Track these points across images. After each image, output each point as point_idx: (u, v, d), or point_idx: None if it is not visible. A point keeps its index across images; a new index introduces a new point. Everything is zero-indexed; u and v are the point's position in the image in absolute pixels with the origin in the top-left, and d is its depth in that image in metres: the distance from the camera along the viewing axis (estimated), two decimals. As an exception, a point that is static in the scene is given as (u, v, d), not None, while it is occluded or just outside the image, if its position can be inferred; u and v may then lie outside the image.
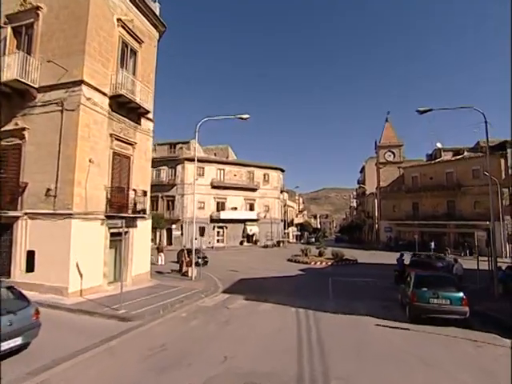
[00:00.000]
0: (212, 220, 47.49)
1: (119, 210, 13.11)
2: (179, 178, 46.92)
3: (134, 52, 14.77)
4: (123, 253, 13.83)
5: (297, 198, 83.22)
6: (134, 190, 13.81)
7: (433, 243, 35.06)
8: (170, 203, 47.17)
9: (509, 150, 36.46)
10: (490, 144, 41.96)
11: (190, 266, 19.77)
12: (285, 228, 56.17)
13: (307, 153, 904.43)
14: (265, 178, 52.70)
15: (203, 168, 48.19)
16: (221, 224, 48.00)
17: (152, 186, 47.23)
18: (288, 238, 61.73)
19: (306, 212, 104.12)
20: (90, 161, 11.89)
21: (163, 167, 48.15)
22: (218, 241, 47.78)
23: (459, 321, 9.17)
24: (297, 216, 78.17)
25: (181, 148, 48.20)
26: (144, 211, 14.11)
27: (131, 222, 13.92)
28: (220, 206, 48.57)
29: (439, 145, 45.66)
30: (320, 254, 30.44)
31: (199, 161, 48.96)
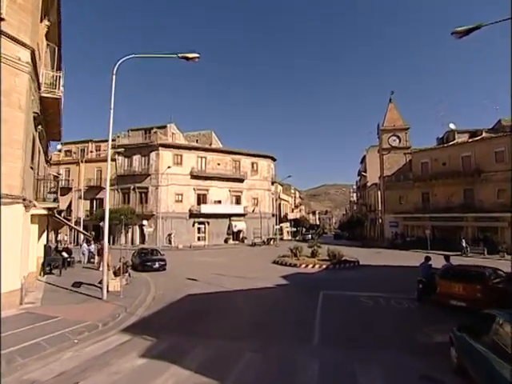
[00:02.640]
0: (192, 215, 41.42)
1: None
2: (153, 167, 40.84)
3: None
4: None
5: (292, 191, 76.93)
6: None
7: (464, 241, 29.38)
8: (143, 196, 41.07)
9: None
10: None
11: (120, 275, 13.79)
12: (277, 224, 50.04)
13: (307, 149, 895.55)
14: (253, 167, 46.50)
15: (181, 155, 42.06)
16: (202, 219, 41.89)
17: (123, 176, 41.49)
18: (282, 234, 55.65)
19: (303, 207, 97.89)
20: None
21: (136, 155, 42.01)
22: (198, 238, 41.70)
23: None
24: (292, 211, 71.92)
25: (155, 132, 41.99)
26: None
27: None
28: (201, 199, 42.44)
29: (452, 126, 39.45)
30: (313, 255, 24.34)
31: (177, 147, 42.88)
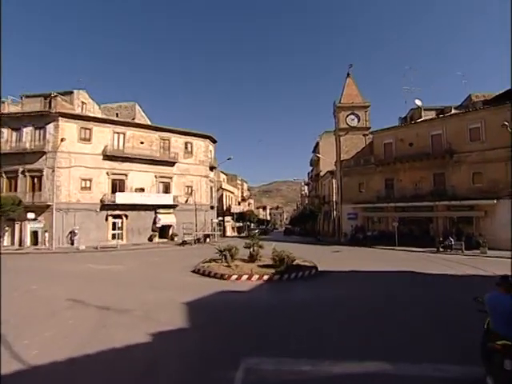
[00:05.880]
0: (104, 206, 32.04)
1: None
2: (50, 144, 30.76)
3: None
4: None
5: (239, 182, 69.26)
6: None
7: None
8: (36, 181, 30.86)
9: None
10: (485, 98, 31.56)
11: None
12: (219, 217, 42.15)
13: (257, 146, 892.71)
14: (187, 147, 38.02)
15: (90, 130, 32.43)
16: (118, 212, 32.64)
17: (8, 154, 30.84)
18: (223, 230, 47.81)
19: (252, 201, 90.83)
20: None
21: (27, 127, 31.55)
22: (113, 236, 32.38)
23: None
24: (239, 204, 64.32)
25: (55, 97, 31.84)
26: None
27: None
28: (118, 186, 33.19)
29: (418, 102, 34.30)
30: (252, 258, 16.77)
31: (84, 119, 32.93)
